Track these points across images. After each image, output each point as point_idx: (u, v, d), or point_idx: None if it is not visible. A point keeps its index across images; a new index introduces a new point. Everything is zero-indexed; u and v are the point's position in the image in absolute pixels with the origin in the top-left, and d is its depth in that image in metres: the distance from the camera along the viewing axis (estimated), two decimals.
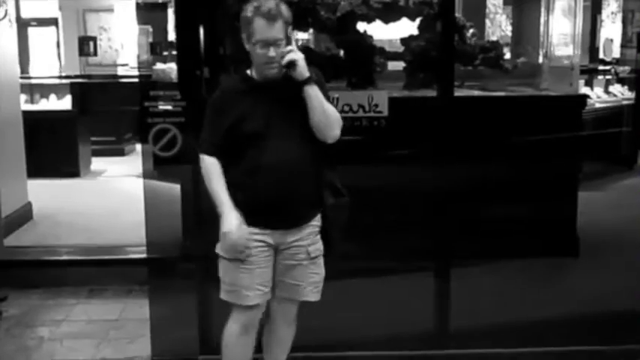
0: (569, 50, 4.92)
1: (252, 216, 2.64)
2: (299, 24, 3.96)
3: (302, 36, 5.96)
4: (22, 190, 5.78)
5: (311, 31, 5.17)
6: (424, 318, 3.60)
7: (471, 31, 4.83)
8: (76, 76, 10.05)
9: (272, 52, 2.55)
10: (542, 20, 5.13)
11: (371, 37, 4.41)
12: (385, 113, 3.61)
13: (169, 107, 3.48)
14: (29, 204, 5.82)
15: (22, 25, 10.54)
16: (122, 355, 3.69)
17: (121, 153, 9.09)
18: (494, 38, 7.04)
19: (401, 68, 4.50)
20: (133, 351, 3.72)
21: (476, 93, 4.55)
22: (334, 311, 3.19)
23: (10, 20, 5.53)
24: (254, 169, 2.61)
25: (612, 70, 8.74)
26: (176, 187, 3.71)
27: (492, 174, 4.13)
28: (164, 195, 3.90)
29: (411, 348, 3.50)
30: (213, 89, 2.81)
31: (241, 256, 2.64)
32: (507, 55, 5.90)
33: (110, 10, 10.88)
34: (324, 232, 2.76)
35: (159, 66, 5.74)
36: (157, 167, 3.73)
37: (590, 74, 8.35)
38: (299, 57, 2.56)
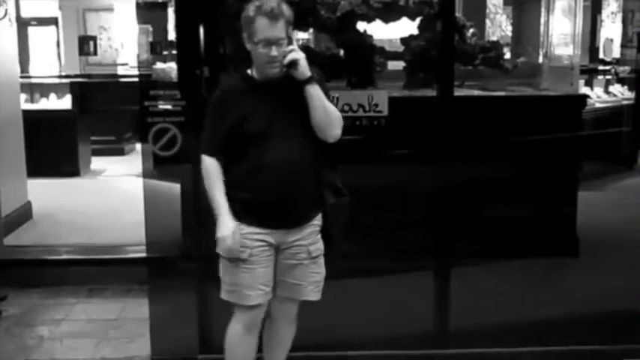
0: (569, 50, 4.92)
1: (253, 215, 2.64)
2: (299, 23, 3.95)
3: (302, 35, 5.96)
4: (22, 190, 5.78)
5: (311, 30, 5.17)
6: (424, 317, 3.60)
7: (471, 30, 4.83)
8: (76, 76, 10.05)
9: (274, 52, 2.55)
10: (542, 20, 5.13)
11: (371, 36, 4.41)
12: (385, 113, 3.60)
13: (169, 107, 3.48)
14: (29, 203, 5.82)
15: (22, 24, 10.54)
16: (122, 355, 3.69)
17: (120, 152, 9.09)
18: (494, 38, 7.03)
19: (401, 68, 4.50)
20: (132, 350, 3.72)
21: (476, 93, 4.54)
22: (334, 310, 3.19)
23: (10, 19, 5.53)
24: (256, 168, 2.61)
25: (612, 70, 8.74)
26: (176, 187, 3.71)
27: (492, 174, 4.13)
28: (164, 194, 3.90)
29: (410, 347, 3.50)
30: (213, 89, 2.81)
31: (243, 255, 2.64)
32: (507, 55, 5.90)
33: (110, 9, 10.87)
34: (325, 232, 2.77)
35: (159, 65, 5.73)
36: (157, 167, 3.74)
37: (590, 74, 8.35)
38: (301, 56, 2.56)
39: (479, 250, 4.03)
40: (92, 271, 4.72)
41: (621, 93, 8.29)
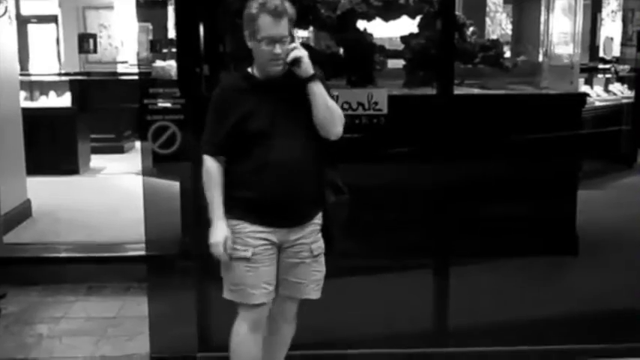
0: (569, 49, 4.92)
1: (257, 214, 2.64)
2: (299, 22, 3.95)
3: (302, 34, 5.95)
4: (22, 188, 5.78)
5: (311, 28, 5.17)
6: (423, 316, 3.60)
7: (471, 29, 4.83)
8: (76, 74, 10.03)
9: (278, 49, 2.55)
10: (542, 19, 5.13)
11: (371, 35, 4.41)
12: (385, 111, 3.60)
13: (169, 105, 3.48)
14: (28, 201, 5.82)
15: (22, 22, 10.56)
16: (121, 353, 3.69)
17: (120, 150, 9.09)
18: (494, 36, 7.04)
19: (401, 66, 4.50)
20: (131, 348, 3.72)
21: (476, 91, 4.54)
22: (333, 309, 3.18)
23: (9, 17, 5.52)
24: (260, 167, 2.60)
25: (612, 69, 8.74)
26: (175, 185, 3.71)
27: (492, 172, 4.13)
28: (163, 192, 3.89)
29: (410, 346, 3.50)
30: (213, 87, 2.81)
31: (246, 254, 2.64)
32: (507, 54, 5.89)
33: (110, 7, 10.86)
34: (325, 230, 2.77)
35: (158, 63, 5.72)
36: (156, 165, 3.73)
37: (590, 73, 8.36)
38: (304, 54, 2.56)
39: (478, 249, 4.03)
40: (91, 269, 4.72)
41: (621, 92, 8.29)
